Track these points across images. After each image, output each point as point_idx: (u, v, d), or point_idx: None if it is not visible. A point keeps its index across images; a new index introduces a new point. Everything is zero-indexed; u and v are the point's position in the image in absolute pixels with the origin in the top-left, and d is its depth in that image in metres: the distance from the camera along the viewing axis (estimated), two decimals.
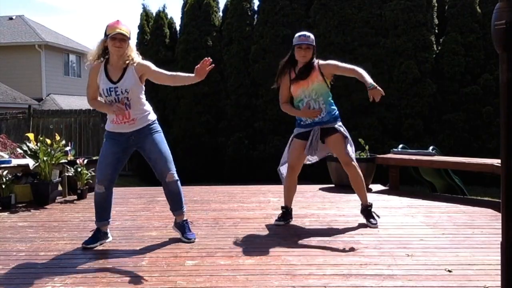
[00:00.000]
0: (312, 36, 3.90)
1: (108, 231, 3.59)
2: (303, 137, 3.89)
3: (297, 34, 3.92)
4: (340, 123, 3.90)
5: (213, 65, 3.17)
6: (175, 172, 3.46)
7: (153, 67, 3.36)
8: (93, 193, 3.62)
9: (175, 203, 3.57)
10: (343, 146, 3.84)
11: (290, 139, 4.00)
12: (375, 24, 9.79)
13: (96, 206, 3.49)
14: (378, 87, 3.54)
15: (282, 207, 4.11)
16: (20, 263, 3.06)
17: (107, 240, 3.54)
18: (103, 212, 3.49)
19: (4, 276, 2.82)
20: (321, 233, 3.77)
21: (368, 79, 3.62)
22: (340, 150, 3.85)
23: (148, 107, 3.46)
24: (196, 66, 3.17)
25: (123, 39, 3.21)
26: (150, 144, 3.40)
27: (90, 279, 2.75)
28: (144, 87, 3.42)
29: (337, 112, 3.93)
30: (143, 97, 3.42)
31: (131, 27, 3.34)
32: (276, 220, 4.07)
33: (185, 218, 3.64)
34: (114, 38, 3.18)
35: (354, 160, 3.89)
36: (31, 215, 4.60)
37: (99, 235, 3.49)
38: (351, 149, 3.88)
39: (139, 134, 3.39)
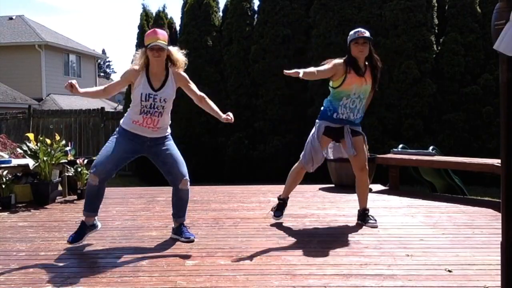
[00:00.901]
0: (368, 32, 3.79)
1: (96, 220, 3.50)
2: (331, 134, 3.84)
3: (352, 31, 3.81)
4: (361, 128, 3.93)
5: (233, 120, 3.51)
6: (188, 179, 3.48)
7: (190, 82, 3.52)
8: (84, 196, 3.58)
9: (180, 210, 3.57)
10: (364, 151, 3.86)
11: (316, 132, 3.85)
12: (375, 24, 9.79)
13: (87, 196, 3.42)
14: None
15: (279, 198, 4.10)
16: (20, 263, 3.06)
17: (97, 229, 3.51)
18: (93, 203, 3.42)
19: (4, 276, 2.82)
20: (321, 233, 3.77)
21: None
22: (361, 153, 3.84)
23: (170, 119, 3.54)
24: (227, 117, 3.50)
25: (161, 48, 3.29)
26: (167, 149, 3.46)
27: (90, 279, 2.75)
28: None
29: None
30: (171, 109, 3.50)
31: (166, 34, 3.40)
32: (274, 214, 4.06)
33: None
34: (152, 48, 3.28)
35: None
36: (31, 215, 4.60)
37: (85, 229, 3.42)
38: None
39: (156, 141, 3.44)
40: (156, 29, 3.37)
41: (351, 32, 3.82)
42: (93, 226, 3.50)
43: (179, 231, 3.54)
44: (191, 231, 3.58)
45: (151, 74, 3.37)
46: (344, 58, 3.81)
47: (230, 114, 3.51)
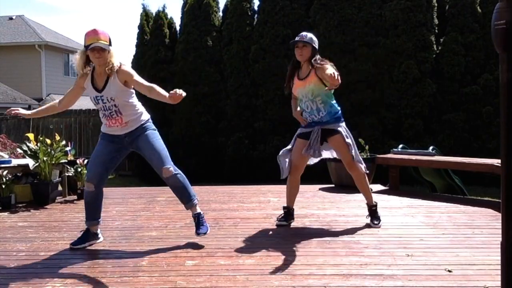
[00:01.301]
0: (310, 35, 3.87)
1: (99, 231, 3.56)
2: (305, 137, 3.89)
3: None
4: (342, 124, 3.87)
5: (185, 94, 3.07)
6: (171, 166, 3.38)
7: (134, 75, 3.31)
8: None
9: (182, 196, 3.50)
10: (344, 147, 3.81)
11: (294, 137, 4.01)
12: (375, 24, 9.79)
13: (86, 205, 3.46)
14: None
15: (283, 207, 4.09)
16: (20, 263, 3.06)
17: (98, 241, 3.52)
18: (92, 212, 3.46)
19: (4, 276, 2.82)
20: (321, 233, 3.77)
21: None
22: (341, 151, 3.84)
23: (140, 107, 3.46)
24: (172, 92, 3.07)
25: (102, 49, 3.20)
26: (143, 142, 3.40)
27: (90, 279, 2.75)
28: (133, 91, 3.40)
29: (339, 113, 3.90)
30: (133, 100, 3.40)
31: (108, 32, 3.30)
32: (278, 221, 4.05)
33: (198, 211, 3.54)
34: (93, 49, 3.19)
35: (358, 161, 3.86)
36: (31, 215, 4.60)
37: (88, 236, 3.46)
38: (353, 150, 3.83)
39: (132, 135, 3.40)
40: (97, 29, 3.25)
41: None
42: (96, 236, 3.52)
43: (196, 222, 3.51)
44: (188, 233, 3.55)
45: (95, 73, 3.33)
46: (291, 68, 3.97)
47: (177, 90, 3.08)
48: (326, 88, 3.62)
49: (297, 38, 3.86)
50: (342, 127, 3.85)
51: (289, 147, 4.00)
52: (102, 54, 3.20)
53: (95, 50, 3.19)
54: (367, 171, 4.02)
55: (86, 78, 3.34)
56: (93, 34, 3.21)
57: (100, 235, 3.57)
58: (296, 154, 3.91)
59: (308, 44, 3.81)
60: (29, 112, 3.53)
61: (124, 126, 3.36)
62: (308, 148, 3.81)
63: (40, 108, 3.61)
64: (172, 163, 3.42)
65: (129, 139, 3.40)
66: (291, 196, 4.06)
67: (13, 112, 3.44)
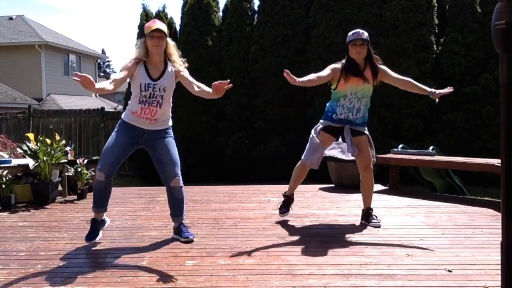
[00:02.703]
0: (366, 33, 3.85)
1: (105, 216, 3.62)
2: (331, 132, 3.90)
3: (350, 33, 3.87)
4: (366, 129, 3.94)
5: (231, 85, 3.12)
6: (181, 178, 3.46)
7: (187, 74, 3.44)
8: (92, 193, 3.62)
9: (176, 209, 3.57)
10: (367, 149, 3.87)
11: (316, 131, 3.94)
12: (375, 24, 9.79)
13: (95, 193, 3.50)
14: (438, 91, 3.68)
15: (284, 195, 4.14)
16: (20, 263, 3.06)
17: (106, 225, 3.63)
18: (101, 200, 3.51)
19: (4, 276, 2.82)
20: (321, 233, 3.78)
21: (426, 87, 3.78)
22: (364, 152, 3.86)
23: (170, 112, 3.53)
24: (214, 83, 3.12)
25: (161, 36, 3.28)
26: (164, 146, 3.43)
27: (90, 279, 2.75)
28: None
29: (367, 119, 3.98)
30: (171, 100, 3.48)
31: (165, 25, 3.40)
32: (280, 211, 4.12)
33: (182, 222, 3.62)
34: (152, 36, 3.27)
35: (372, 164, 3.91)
36: (31, 215, 4.60)
37: (97, 226, 3.52)
38: (372, 153, 3.91)
39: (155, 134, 3.43)
40: (156, 19, 3.40)
41: (350, 33, 3.87)
42: (104, 222, 3.59)
43: (179, 231, 3.55)
44: (191, 231, 3.58)
45: (149, 64, 3.36)
46: (343, 67, 3.86)
47: (222, 81, 3.13)
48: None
49: (354, 36, 3.79)
50: (367, 132, 3.94)
51: (315, 139, 3.92)
52: (161, 42, 3.29)
53: (155, 37, 3.26)
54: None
55: (138, 67, 3.34)
56: (152, 22, 3.32)
57: (106, 218, 3.65)
58: (321, 149, 3.91)
59: (366, 42, 3.79)
60: (96, 85, 3.10)
61: (152, 122, 3.39)
62: (352, 146, 3.83)
63: (100, 85, 3.25)
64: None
65: (149, 137, 3.42)
66: (296, 184, 4.14)
67: (83, 76, 2.94)
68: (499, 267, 2.02)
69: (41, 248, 3.38)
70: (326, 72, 3.82)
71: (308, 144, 3.98)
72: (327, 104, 4.00)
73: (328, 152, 4.17)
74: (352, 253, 3.21)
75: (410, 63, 9.62)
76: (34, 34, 21.56)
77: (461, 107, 9.68)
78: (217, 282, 2.68)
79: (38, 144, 5.03)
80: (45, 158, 4.98)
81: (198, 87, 3.35)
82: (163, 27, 3.32)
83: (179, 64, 3.43)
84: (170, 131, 3.54)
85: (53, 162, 5.10)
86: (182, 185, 3.49)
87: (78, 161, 5.49)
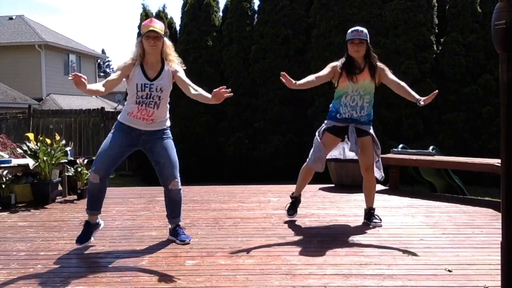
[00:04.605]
0: (365, 31, 3.83)
1: (99, 219, 3.52)
2: (336, 132, 3.89)
3: (349, 30, 3.85)
4: (372, 128, 3.92)
5: (232, 93, 3.07)
6: (179, 180, 3.43)
7: (183, 75, 3.39)
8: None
9: (173, 211, 3.54)
10: (372, 150, 3.86)
11: (321, 131, 3.93)
12: (375, 24, 9.79)
13: (90, 195, 3.43)
14: (424, 99, 3.63)
15: (292, 197, 4.14)
16: (20, 263, 3.06)
17: (100, 228, 3.53)
18: (95, 203, 3.42)
19: (4, 276, 2.82)
20: (321, 233, 3.77)
21: (416, 95, 3.71)
22: (368, 153, 3.85)
23: (168, 113, 3.48)
24: (215, 90, 3.10)
25: (156, 37, 3.25)
26: (162, 147, 3.39)
27: (90, 279, 2.75)
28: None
29: (372, 117, 3.95)
30: (169, 100, 3.44)
31: (163, 24, 3.38)
32: (288, 213, 4.11)
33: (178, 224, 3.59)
34: (148, 36, 3.24)
35: (378, 167, 3.91)
36: (31, 215, 4.60)
37: (90, 228, 3.43)
38: (378, 156, 3.90)
39: (152, 135, 3.38)
40: (153, 19, 3.36)
41: (349, 31, 3.86)
42: (97, 225, 3.51)
43: (175, 233, 3.53)
44: (187, 233, 3.56)
45: (146, 64, 3.32)
46: (342, 66, 3.84)
47: (223, 88, 3.11)
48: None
49: (353, 34, 3.78)
50: (373, 131, 3.90)
51: (316, 148, 3.92)
52: (157, 42, 3.26)
53: (150, 37, 3.23)
54: (382, 178, 4.03)
55: (133, 68, 3.30)
56: (149, 22, 3.28)
57: (100, 221, 3.55)
58: (323, 150, 3.90)
59: (365, 40, 3.78)
60: (88, 86, 3.07)
61: (149, 122, 3.34)
62: (355, 144, 3.82)
63: (92, 86, 3.26)
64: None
65: (146, 138, 3.38)
66: (303, 186, 4.13)
67: (77, 75, 2.99)
68: (499, 267, 2.02)
69: (41, 248, 3.38)
70: (325, 70, 3.82)
71: (312, 147, 3.97)
72: (331, 105, 3.99)
73: (328, 155, 4.16)
74: (352, 253, 3.21)
75: (410, 63, 9.62)
76: (34, 34, 21.56)
77: (461, 107, 9.68)
78: (217, 282, 2.68)
79: (38, 144, 5.03)
80: (45, 158, 4.98)
81: (195, 89, 3.29)
82: (160, 27, 3.29)
83: (175, 64, 3.40)
84: (168, 131, 3.49)
85: (53, 162, 5.10)
86: (180, 187, 3.46)
87: (78, 161, 5.49)
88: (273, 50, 10.37)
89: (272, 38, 10.37)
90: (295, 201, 4.16)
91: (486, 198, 6.12)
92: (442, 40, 10.00)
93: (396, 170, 6.00)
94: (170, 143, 3.45)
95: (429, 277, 2.72)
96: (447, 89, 9.73)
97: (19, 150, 5.42)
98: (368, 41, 3.83)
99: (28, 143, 5.07)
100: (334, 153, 4.17)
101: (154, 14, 11.68)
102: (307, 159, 4.00)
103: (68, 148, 5.55)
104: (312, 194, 5.55)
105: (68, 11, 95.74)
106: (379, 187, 6.03)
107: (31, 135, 5.24)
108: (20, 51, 20.63)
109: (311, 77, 3.75)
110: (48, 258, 3.15)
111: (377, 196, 5.32)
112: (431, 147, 6.60)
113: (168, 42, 3.39)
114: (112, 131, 3.42)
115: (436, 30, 10.04)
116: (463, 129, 9.60)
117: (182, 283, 2.66)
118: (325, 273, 2.81)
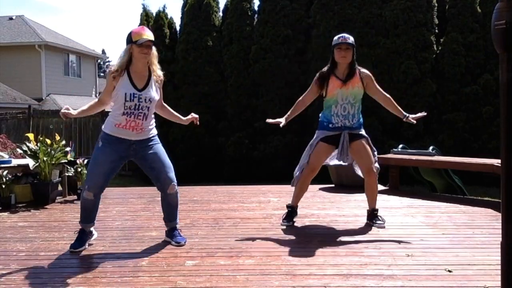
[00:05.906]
0: (351, 37, 3.80)
1: (92, 228, 3.49)
2: (329, 141, 3.84)
3: (336, 36, 3.82)
4: (364, 131, 3.91)
5: (199, 123, 3.59)
6: (176, 183, 3.42)
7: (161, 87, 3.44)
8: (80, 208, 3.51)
9: (171, 215, 3.53)
10: (368, 152, 3.84)
11: (314, 142, 3.90)
12: (375, 24, 9.80)
13: (83, 210, 3.37)
14: (411, 116, 3.76)
15: (288, 206, 4.08)
16: (20, 263, 3.06)
17: (93, 238, 3.49)
18: (89, 216, 3.39)
19: (4, 276, 2.82)
20: (321, 233, 3.77)
21: (402, 110, 3.84)
22: (364, 156, 3.83)
23: (154, 121, 3.45)
24: (189, 116, 3.54)
25: (150, 46, 3.20)
26: (154, 153, 3.35)
27: (90, 279, 2.75)
28: None
29: (362, 121, 3.96)
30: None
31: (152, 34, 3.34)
32: (283, 221, 4.03)
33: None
34: (142, 45, 3.16)
35: (375, 168, 3.87)
36: (31, 215, 4.60)
37: (85, 236, 3.40)
38: (374, 157, 3.87)
39: (142, 143, 3.33)
40: (144, 26, 3.35)
41: (335, 37, 3.82)
42: (91, 233, 3.47)
43: (171, 235, 3.51)
44: (188, 233, 3.56)
45: (133, 73, 3.25)
46: (326, 72, 3.83)
47: (194, 114, 3.59)
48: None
49: (339, 40, 3.74)
50: (364, 132, 3.91)
51: (305, 157, 3.92)
52: (150, 51, 3.22)
53: (144, 45, 3.16)
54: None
55: (120, 78, 3.22)
56: (142, 30, 3.22)
57: (94, 231, 3.51)
58: (317, 157, 3.86)
59: (352, 46, 3.75)
60: (74, 112, 3.31)
61: (138, 132, 3.28)
62: (341, 153, 3.81)
63: (83, 107, 3.39)
64: None
65: (137, 147, 3.31)
66: (300, 196, 4.06)
67: (62, 113, 3.27)
68: (499, 267, 2.02)
69: (41, 248, 3.38)
70: (310, 88, 3.89)
71: (303, 154, 3.95)
72: (320, 115, 3.94)
73: (330, 162, 4.13)
74: (352, 253, 3.21)
75: (410, 63, 9.63)
76: (34, 34, 21.56)
77: (461, 107, 9.68)
78: (217, 282, 2.68)
79: (38, 144, 5.03)
80: (45, 158, 4.98)
81: (165, 107, 3.51)
82: (152, 35, 3.25)
83: (158, 75, 3.34)
84: (156, 137, 3.43)
85: (53, 162, 5.10)
86: (177, 191, 3.44)
87: (78, 161, 5.49)
88: (273, 50, 10.38)
89: (272, 38, 10.37)
90: (292, 211, 4.07)
91: (486, 198, 6.12)
92: (442, 40, 10.00)
93: (396, 170, 6.00)
94: (160, 147, 3.42)
95: (429, 277, 2.72)
96: (447, 89, 9.74)
97: (19, 150, 5.42)
98: (354, 48, 3.79)
99: (28, 143, 5.07)
100: (335, 162, 4.11)
101: (154, 14, 11.69)
102: (295, 173, 3.97)
103: (68, 148, 5.55)
104: (312, 194, 5.55)
105: (68, 11, 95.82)
106: (379, 187, 6.02)
107: (31, 135, 5.23)
108: (20, 51, 20.62)
109: (299, 100, 3.93)
110: (48, 258, 3.15)
111: (377, 196, 5.34)
112: (431, 147, 6.61)
113: (154, 52, 3.30)
114: (99, 145, 3.32)
115: (436, 30, 10.05)
116: (463, 129, 9.61)
117: (182, 283, 2.66)
118: (325, 273, 2.81)
